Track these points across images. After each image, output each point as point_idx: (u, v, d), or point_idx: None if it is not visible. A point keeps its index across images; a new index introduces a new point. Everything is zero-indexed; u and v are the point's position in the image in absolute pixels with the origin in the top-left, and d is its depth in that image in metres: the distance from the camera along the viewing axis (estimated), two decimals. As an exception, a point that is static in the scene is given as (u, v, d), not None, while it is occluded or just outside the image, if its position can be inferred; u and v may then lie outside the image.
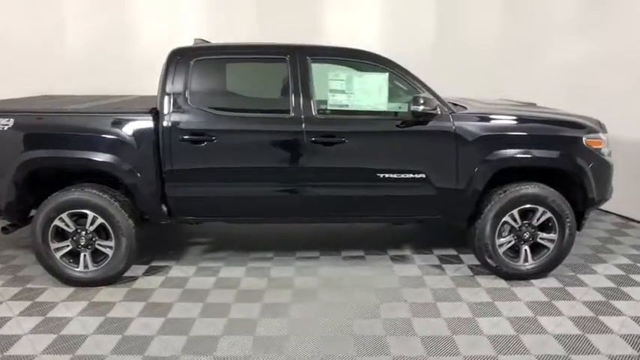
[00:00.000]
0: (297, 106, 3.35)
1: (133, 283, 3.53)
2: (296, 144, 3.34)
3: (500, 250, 3.52)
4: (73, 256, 3.41)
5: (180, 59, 3.36)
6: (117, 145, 3.28)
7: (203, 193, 3.41)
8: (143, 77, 4.72)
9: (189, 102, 3.33)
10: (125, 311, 3.13)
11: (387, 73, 3.36)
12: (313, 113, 3.35)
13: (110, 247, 3.39)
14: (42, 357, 2.64)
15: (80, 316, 3.06)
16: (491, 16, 5.79)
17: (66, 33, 5.51)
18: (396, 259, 3.97)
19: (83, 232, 3.36)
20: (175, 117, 3.31)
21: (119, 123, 3.30)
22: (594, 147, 3.48)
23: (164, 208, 3.44)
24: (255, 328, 2.93)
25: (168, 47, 3.48)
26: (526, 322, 3.00)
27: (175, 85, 3.33)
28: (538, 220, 3.48)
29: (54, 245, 3.36)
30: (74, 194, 3.31)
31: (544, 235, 3.51)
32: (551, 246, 3.52)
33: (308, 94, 3.36)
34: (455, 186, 3.44)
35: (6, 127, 3.25)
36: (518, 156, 3.40)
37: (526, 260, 3.54)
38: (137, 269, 3.71)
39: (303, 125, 3.33)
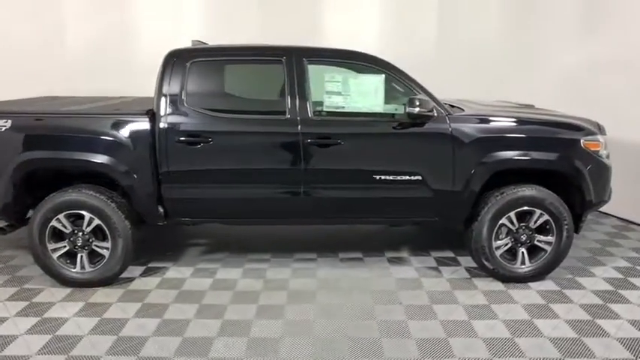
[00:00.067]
0: (294, 108, 3.35)
1: (129, 284, 3.54)
2: (292, 146, 3.34)
3: (497, 253, 3.50)
4: (70, 256, 3.42)
5: (176, 61, 3.37)
6: (113, 147, 3.29)
7: (199, 194, 3.42)
8: (143, 78, 4.71)
9: (185, 103, 3.34)
10: (121, 312, 3.13)
11: (384, 75, 3.36)
12: (309, 115, 3.35)
13: (107, 248, 3.40)
14: (37, 357, 2.65)
15: (76, 317, 3.07)
16: (491, 17, 5.78)
17: (66, 33, 5.53)
18: (393, 261, 3.96)
19: (80, 233, 3.38)
20: (172, 118, 3.32)
21: (116, 124, 3.31)
22: (592, 149, 3.46)
23: (160, 210, 3.45)
24: (250, 330, 2.93)
25: (169, 48, 3.48)
26: (522, 325, 2.99)
27: (172, 87, 3.34)
28: (535, 222, 3.46)
29: (51, 246, 3.37)
30: (71, 195, 3.32)
31: (541, 237, 3.49)
32: (548, 249, 3.50)
33: (304, 96, 3.36)
34: (451, 188, 3.43)
35: (3, 129, 3.26)
36: (515, 158, 3.39)
37: (523, 263, 3.53)
38: (134, 270, 3.72)
39: (299, 127, 3.33)
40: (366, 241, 4.39)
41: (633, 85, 4.67)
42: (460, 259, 3.99)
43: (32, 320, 3.03)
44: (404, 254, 4.10)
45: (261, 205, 3.51)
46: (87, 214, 3.33)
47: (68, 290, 3.41)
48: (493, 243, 3.48)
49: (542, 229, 3.49)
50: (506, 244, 3.51)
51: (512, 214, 3.44)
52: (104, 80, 5.38)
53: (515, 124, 3.53)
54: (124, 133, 3.30)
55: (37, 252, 3.37)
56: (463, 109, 3.63)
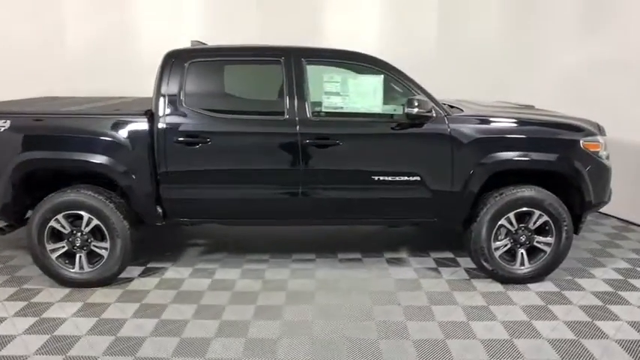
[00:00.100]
0: (292, 108, 3.34)
1: (128, 284, 3.54)
2: (290, 146, 3.34)
3: (497, 254, 3.49)
4: (69, 257, 3.43)
5: (175, 61, 3.37)
6: (112, 147, 3.29)
7: (197, 195, 3.41)
8: (143, 78, 4.71)
9: (184, 104, 3.34)
10: (119, 312, 3.14)
11: (382, 76, 3.35)
12: (308, 115, 3.34)
13: (105, 249, 3.40)
14: (34, 357, 2.65)
15: (74, 317, 3.07)
16: (491, 17, 5.76)
17: (66, 33, 5.54)
18: (392, 261, 3.96)
19: (79, 234, 3.38)
20: (170, 119, 3.31)
21: (114, 125, 3.31)
22: (592, 150, 3.45)
23: (159, 210, 3.45)
24: (247, 331, 2.93)
25: (169, 48, 3.48)
26: (521, 327, 2.98)
27: (170, 87, 3.34)
28: (534, 223, 3.45)
29: (50, 246, 3.37)
30: (70, 195, 3.33)
31: (541, 238, 3.48)
32: (547, 250, 3.49)
33: (303, 96, 3.35)
34: (450, 188, 3.42)
35: (2, 129, 3.27)
36: (514, 159, 3.38)
37: (522, 264, 3.52)
38: (133, 270, 3.72)
39: (298, 127, 3.32)
40: (365, 242, 4.38)
41: (633, 86, 4.66)
42: (460, 259, 3.98)
43: (30, 320, 3.03)
44: (403, 255, 4.09)
45: (260, 205, 3.51)
46: (85, 215, 3.33)
47: (67, 290, 3.41)
48: (492, 244, 3.47)
49: (542, 230, 3.48)
50: (506, 245, 3.50)
51: (511, 215, 3.43)
52: (104, 80, 5.39)
53: (514, 124, 3.52)
54: (123, 133, 3.31)
55: (35, 252, 3.37)
56: (462, 110, 3.62)
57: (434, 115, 3.35)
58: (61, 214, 3.33)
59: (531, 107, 4.27)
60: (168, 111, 3.32)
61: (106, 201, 3.33)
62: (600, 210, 4.07)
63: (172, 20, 5.64)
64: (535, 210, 3.41)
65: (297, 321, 3.04)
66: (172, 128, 3.30)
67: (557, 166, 3.43)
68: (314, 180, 3.40)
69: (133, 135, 3.31)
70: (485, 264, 3.51)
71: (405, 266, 3.87)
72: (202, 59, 3.42)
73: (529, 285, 3.52)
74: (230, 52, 3.59)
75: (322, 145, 3.34)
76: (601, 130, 3.62)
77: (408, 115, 3.30)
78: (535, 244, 3.49)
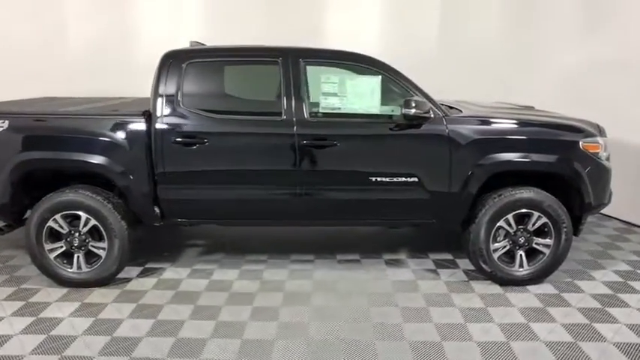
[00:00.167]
0: (289, 109, 3.33)
1: (126, 284, 3.54)
2: (288, 147, 3.33)
3: (495, 255, 3.48)
4: (67, 257, 3.43)
5: (172, 62, 3.37)
6: (110, 147, 3.30)
7: (195, 195, 3.41)
8: (143, 78, 4.72)
9: (181, 104, 3.33)
10: (116, 312, 3.14)
11: (380, 76, 3.34)
12: (305, 116, 3.34)
13: (103, 249, 3.41)
14: (30, 357, 2.65)
15: (71, 317, 3.08)
16: (491, 17, 5.74)
17: (66, 34, 5.55)
18: (390, 263, 3.94)
19: (77, 234, 3.38)
20: (168, 119, 3.31)
21: (112, 125, 3.31)
22: (591, 151, 3.42)
23: (156, 210, 3.45)
24: (243, 332, 2.92)
25: (168, 48, 3.48)
26: (518, 329, 2.96)
27: (168, 88, 3.34)
28: (533, 225, 3.43)
29: (48, 246, 3.38)
30: (68, 196, 3.33)
31: (539, 240, 3.46)
32: (546, 251, 3.47)
33: (300, 97, 3.34)
34: (448, 190, 3.40)
35: (1, 129, 3.27)
36: (512, 160, 3.36)
37: (521, 266, 3.50)
38: (132, 271, 3.72)
39: (295, 128, 3.31)
40: (364, 243, 4.37)
41: (633, 86, 4.62)
42: (459, 261, 3.97)
43: (27, 320, 3.04)
44: (402, 256, 4.08)
45: (257, 206, 3.51)
46: (83, 215, 3.33)
47: (65, 290, 3.42)
48: (491, 245, 3.45)
49: (541, 232, 3.46)
50: (504, 247, 3.49)
51: (510, 217, 3.41)
52: (104, 80, 5.40)
53: (513, 125, 3.50)
54: (121, 134, 3.31)
55: (34, 252, 3.38)
56: (461, 111, 3.60)
57: (432, 115, 3.34)
58: (59, 214, 3.34)
59: (531, 108, 4.25)
60: (165, 111, 3.32)
61: (104, 201, 3.34)
62: (602, 212, 4.04)
63: (172, 21, 5.64)
64: (534, 211, 3.39)
65: (294, 322, 3.04)
66: (170, 129, 3.30)
67: (557, 167, 3.41)
68: (311, 181, 3.39)
69: (130, 135, 3.31)
70: (483, 265, 3.49)
71: (403, 267, 3.86)
72: (200, 60, 3.42)
73: (528, 287, 3.50)
74: (228, 52, 3.58)
75: (320, 145, 3.33)
76: (601, 132, 3.59)
77: (406, 116, 3.28)
78: (534, 245, 3.47)
